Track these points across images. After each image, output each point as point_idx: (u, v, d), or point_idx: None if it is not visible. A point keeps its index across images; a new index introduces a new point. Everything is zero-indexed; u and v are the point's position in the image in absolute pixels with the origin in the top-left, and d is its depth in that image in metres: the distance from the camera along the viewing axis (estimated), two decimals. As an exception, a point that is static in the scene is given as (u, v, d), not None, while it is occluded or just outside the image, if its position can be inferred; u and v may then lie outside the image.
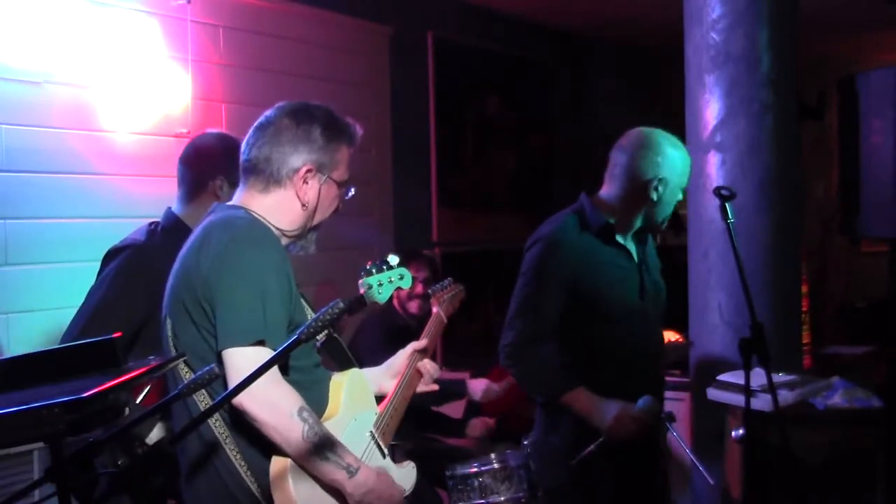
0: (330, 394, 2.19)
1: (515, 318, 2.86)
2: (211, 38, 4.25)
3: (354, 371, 2.28)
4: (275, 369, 1.99)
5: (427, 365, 2.49)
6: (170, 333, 2.13)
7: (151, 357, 1.99)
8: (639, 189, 2.86)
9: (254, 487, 2.05)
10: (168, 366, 1.99)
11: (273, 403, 1.98)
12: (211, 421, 2.05)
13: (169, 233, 2.78)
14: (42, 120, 3.57)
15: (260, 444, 2.04)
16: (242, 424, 2.04)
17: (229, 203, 2.24)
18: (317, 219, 2.23)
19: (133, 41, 3.88)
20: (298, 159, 2.16)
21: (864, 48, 7.42)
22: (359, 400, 2.26)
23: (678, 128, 4.14)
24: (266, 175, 2.17)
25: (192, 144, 2.94)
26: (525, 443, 3.76)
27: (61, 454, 1.52)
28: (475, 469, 3.76)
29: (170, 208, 2.87)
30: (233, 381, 1.95)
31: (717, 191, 2.78)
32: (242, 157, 2.21)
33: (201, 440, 2.08)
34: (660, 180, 2.83)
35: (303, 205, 2.18)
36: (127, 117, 3.86)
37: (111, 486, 1.46)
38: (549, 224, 2.94)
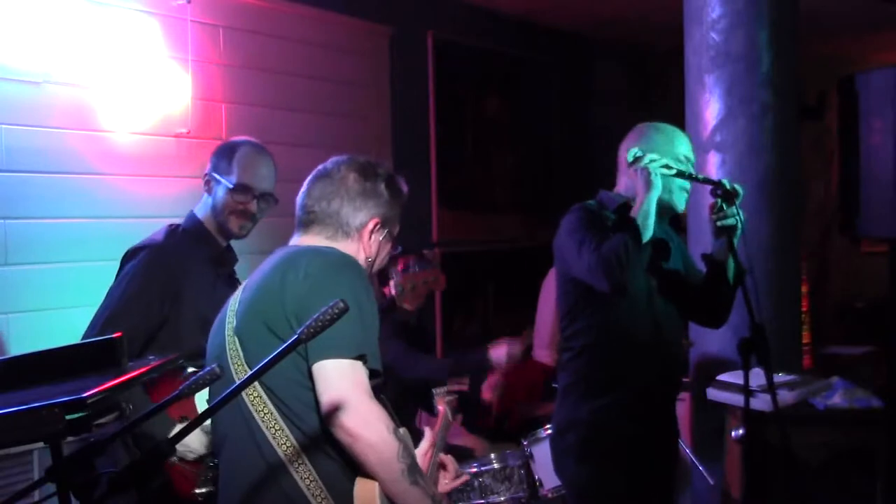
0: None
1: (579, 247, 2.81)
2: (211, 38, 4.25)
3: (404, 429, 2.25)
4: (368, 386, 1.97)
5: (446, 459, 2.42)
6: (235, 357, 2.08)
7: (151, 357, 1.99)
8: (628, 170, 2.93)
9: (298, 472, 1.99)
10: (168, 366, 1.99)
11: (372, 420, 1.93)
12: (274, 441, 2.00)
13: (189, 235, 2.81)
14: (42, 120, 3.57)
15: (339, 465, 2.00)
16: (322, 443, 1.99)
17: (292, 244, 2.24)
18: (371, 271, 2.26)
19: (133, 41, 3.88)
20: (367, 214, 2.20)
21: (864, 48, 7.42)
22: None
23: (678, 128, 4.14)
24: (335, 227, 2.20)
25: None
26: (525, 443, 3.77)
27: (61, 454, 1.52)
28: (475, 469, 3.77)
29: (193, 212, 2.88)
30: (326, 394, 1.92)
31: (715, 191, 2.79)
32: (303, 207, 2.23)
33: (263, 460, 2.01)
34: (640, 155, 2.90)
35: (367, 257, 2.21)
36: (127, 117, 3.86)
37: (111, 486, 1.46)
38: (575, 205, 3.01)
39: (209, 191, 2.87)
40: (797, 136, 4.07)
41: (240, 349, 2.07)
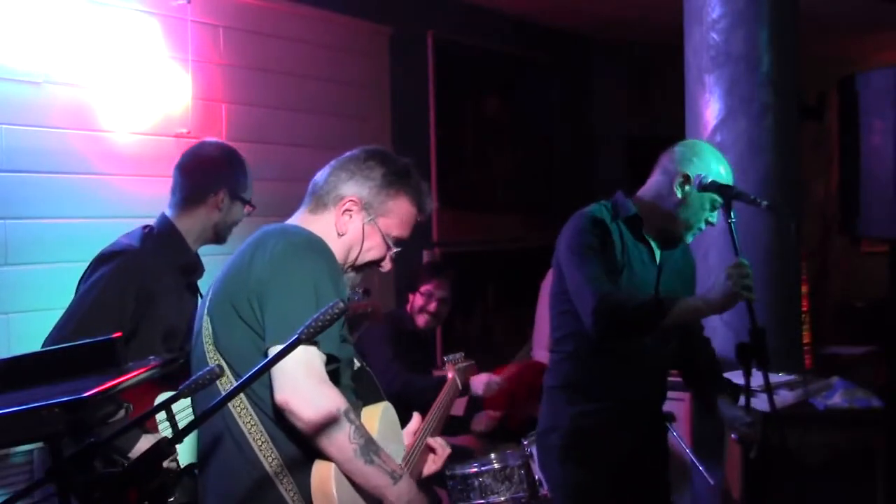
0: (364, 421, 2.14)
1: (584, 288, 2.72)
2: (211, 38, 4.25)
3: (387, 404, 2.25)
4: (321, 368, 1.97)
5: (437, 442, 2.42)
6: (207, 336, 2.09)
7: (151, 357, 1.98)
8: (666, 182, 2.83)
9: (284, 487, 2.01)
10: (168, 366, 1.98)
11: (320, 403, 1.94)
12: (248, 431, 2.01)
13: (163, 239, 2.74)
14: (42, 120, 3.57)
15: (303, 451, 2.01)
16: (285, 431, 2.00)
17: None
18: (354, 257, 2.20)
19: (133, 41, 3.88)
20: (349, 189, 2.18)
21: (864, 48, 7.42)
22: (390, 432, 2.23)
23: (678, 128, 4.14)
24: (317, 196, 2.20)
25: (194, 154, 2.87)
26: (525, 443, 3.77)
27: (61, 454, 1.52)
28: (475, 469, 3.77)
29: (164, 214, 2.81)
30: (276, 377, 1.93)
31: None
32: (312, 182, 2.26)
33: (241, 454, 2.03)
34: (685, 176, 2.78)
35: (339, 234, 2.17)
36: (127, 117, 3.86)
37: (108, 488, 1.46)
38: (584, 208, 2.90)
39: (218, 206, 2.79)
40: (797, 136, 4.07)
41: (210, 329, 2.08)
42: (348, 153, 2.26)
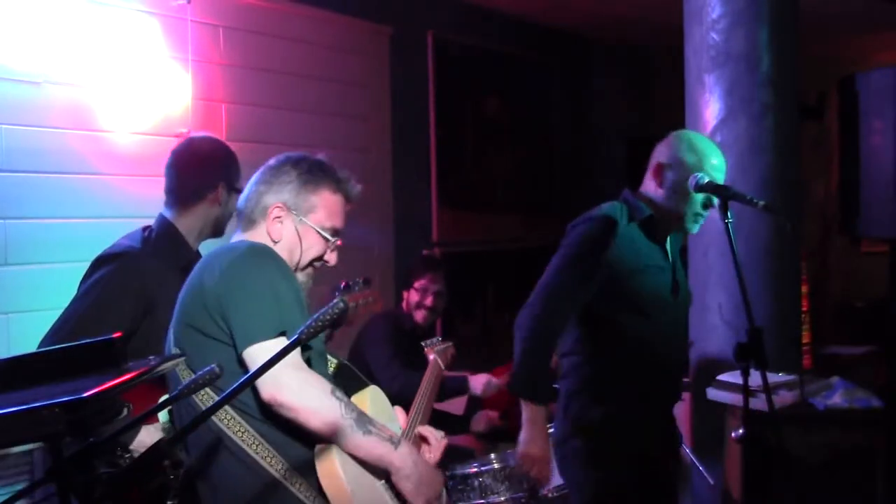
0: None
1: (545, 292, 2.79)
2: (211, 38, 4.25)
3: (374, 388, 2.27)
4: (298, 357, 2.00)
5: (427, 430, 2.44)
6: (181, 365, 2.10)
7: (151, 357, 1.99)
8: (652, 175, 2.85)
9: (297, 488, 2.02)
10: (168, 365, 1.99)
11: (305, 389, 1.97)
12: (236, 436, 2.03)
13: (163, 241, 2.72)
14: (42, 120, 3.57)
15: (306, 449, 2.02)
16: (281, 432, 2.02)
17: None
18: (297, 258, 2.23)
19: (133, 41, 3.88)
20: (271, 198, 2.22)
21: (864, 48, 7.42)
22: (382, 413, 2.25)
23: (678, 128, 4.14)
24: (245, 216, 2.25)
25: (186, 152, 2.84)
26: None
27: (61, 454, 1.52)
28: (475, 469, 3.77)
29: (162, 215, 2.79)
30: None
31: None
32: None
33: (239, 463, 2.04)
34: (659, 165, 2.81)
35: (274, 241, 2.21)
36: (127, 117, 3.86)
37: (110, 487, 1.46)
38: (600, 208, 2.89)
39: (218, 200, 2.78)
40: (797, 136, 4.07)
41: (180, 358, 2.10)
42: (260, 168, 2.29)
